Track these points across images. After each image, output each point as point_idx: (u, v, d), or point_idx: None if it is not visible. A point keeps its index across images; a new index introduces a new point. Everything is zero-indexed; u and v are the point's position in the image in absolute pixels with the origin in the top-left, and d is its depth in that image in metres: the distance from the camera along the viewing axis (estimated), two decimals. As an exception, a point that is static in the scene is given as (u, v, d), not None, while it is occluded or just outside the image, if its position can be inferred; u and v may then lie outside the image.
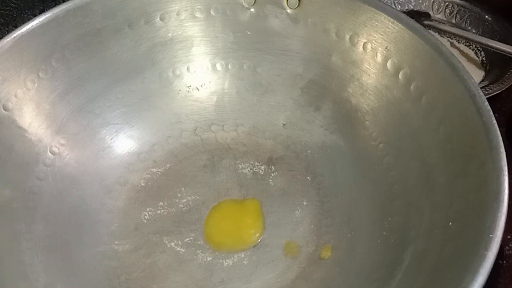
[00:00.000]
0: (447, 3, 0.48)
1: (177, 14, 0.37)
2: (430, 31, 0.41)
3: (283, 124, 0.38)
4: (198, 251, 0.33)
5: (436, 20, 0.47)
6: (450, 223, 0.25)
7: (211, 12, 0.37)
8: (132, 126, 0.38)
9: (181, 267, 0.32)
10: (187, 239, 0.33)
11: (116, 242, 0.33)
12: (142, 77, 0.38)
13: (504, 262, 0.32)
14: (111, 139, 0.37)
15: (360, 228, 0.32)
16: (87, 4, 0.34)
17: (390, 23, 0.32)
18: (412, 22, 0.31)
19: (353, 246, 0.31)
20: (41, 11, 0.39)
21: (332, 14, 0.34)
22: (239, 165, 0.37)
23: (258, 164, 0.37)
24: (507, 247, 0.33)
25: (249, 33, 0.38)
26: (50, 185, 0.33)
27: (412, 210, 0.29)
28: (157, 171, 0.37)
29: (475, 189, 0.24)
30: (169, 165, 0.37)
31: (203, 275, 0.31)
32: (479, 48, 0.45)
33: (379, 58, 0.33)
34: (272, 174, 0.36)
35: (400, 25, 0.31)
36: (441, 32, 0.46)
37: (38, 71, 0.34)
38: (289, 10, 0.36)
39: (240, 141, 0.39)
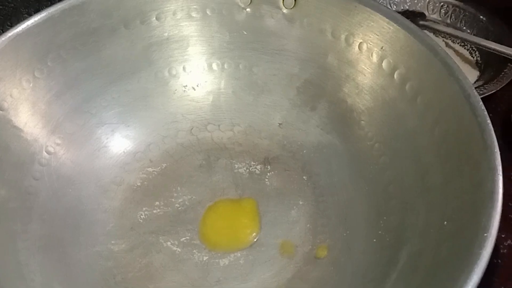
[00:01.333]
0: (442, 3, 0.48)
1: (173, 14, 0.37)
2: (425, 31, 0.41)
3: (279, 123, 0.38)
4: (194, 251, 0.33)
5: (431, 20, 0.47)
6: (445, 223, 0.25)
7: (207, 12, 0.37)
8: (128, 125, 0.38)
9: (177, 267, 0.32)
10: (183, 238, 0.33)
11: (112, 242, 0.33)
12: (138, 77, 0.38)
13: (499, 261, 0.32)
14: (107, 138, 0.37)
15: (356, 228, 0.32)
16: (83, 4, 0.34)
17: (386, 24, 0.32)
18: (407, 22, 0.31)
19: (349, 245, 0.31)
20: (37, 11, 0.38)
21: (327, 14, 0.34)
22: (235, 165, 0.37)
23: (254, 163, 0.37)
24: (501, 246, 0.33)
25: (245, 33, 0.38)
26: (46, 185, 0.33)
27: (408, 209, 0.29)
28: (153, 171, 0.37)
29: (470, 188, 0.25)
30: (165, 164, 0.37)
31: (199, 274, 0.31)
32: (474, 48, 0.45)
33: (374, 58, 0.33)
34: (268, 174, 0.36)
35: (395, 25, 0.32)
36: (436, 32, 0.46)
37: (33, 70, 0.33)
38: (285, 10, 0.36)
39: (236, 140, 0.39)
